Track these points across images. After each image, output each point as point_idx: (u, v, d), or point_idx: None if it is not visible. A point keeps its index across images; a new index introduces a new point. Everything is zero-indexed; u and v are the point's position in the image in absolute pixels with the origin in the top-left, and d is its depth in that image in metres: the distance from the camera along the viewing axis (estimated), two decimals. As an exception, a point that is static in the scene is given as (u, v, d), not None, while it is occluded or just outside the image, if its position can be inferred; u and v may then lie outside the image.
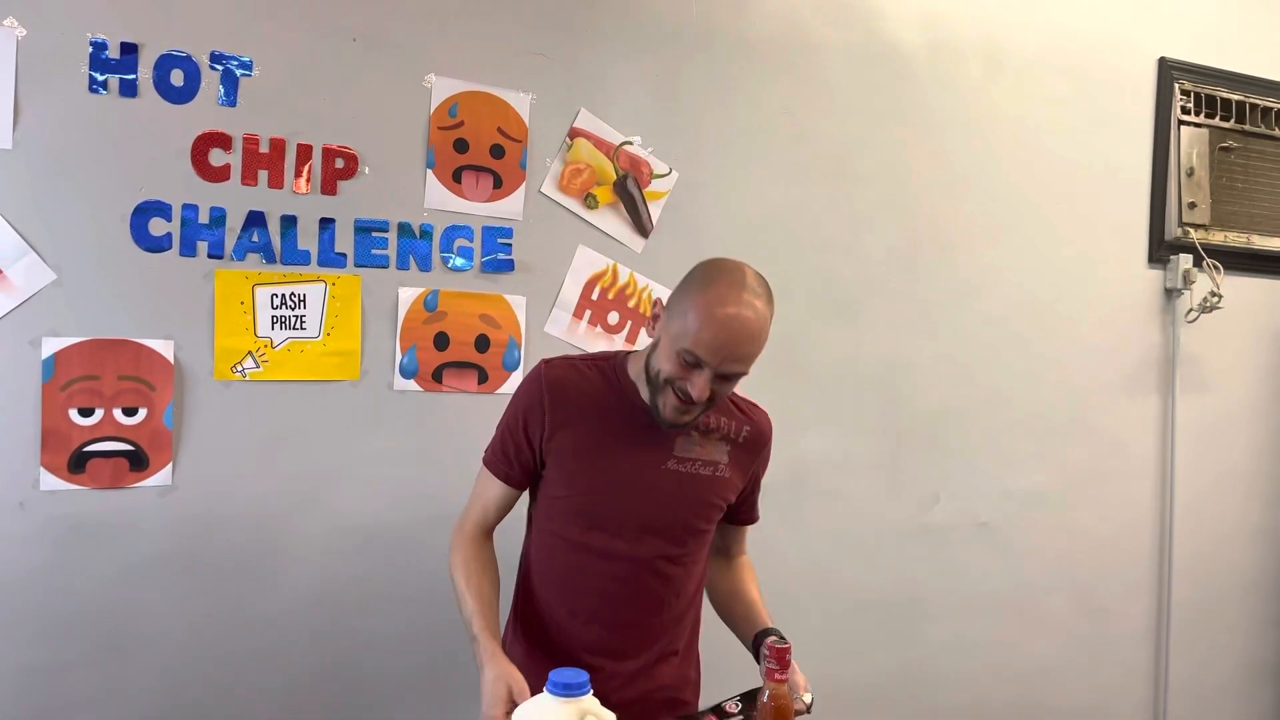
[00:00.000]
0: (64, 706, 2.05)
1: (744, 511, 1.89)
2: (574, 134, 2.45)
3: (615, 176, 2.49)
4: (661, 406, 1.63)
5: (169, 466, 2.12)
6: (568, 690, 1.07)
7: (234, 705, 2.18)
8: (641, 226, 2.52)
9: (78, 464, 2.05)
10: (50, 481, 2.03)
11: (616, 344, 2.53)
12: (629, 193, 2.51)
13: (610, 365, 1.76)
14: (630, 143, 2.51)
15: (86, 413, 2.05)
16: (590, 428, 1.69)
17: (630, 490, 1.69)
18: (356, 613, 2.28)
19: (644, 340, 2.53)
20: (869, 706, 2.82)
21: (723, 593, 1.91)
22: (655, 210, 2.54)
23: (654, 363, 1.64)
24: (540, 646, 1.74)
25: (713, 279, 1.61)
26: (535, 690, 1.35)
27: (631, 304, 2.53)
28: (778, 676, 1.25)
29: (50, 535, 2.04)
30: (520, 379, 2.37)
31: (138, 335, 2.09)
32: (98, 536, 2.08)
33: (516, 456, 1.75)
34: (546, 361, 1.78)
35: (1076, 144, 3.04)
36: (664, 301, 1.70)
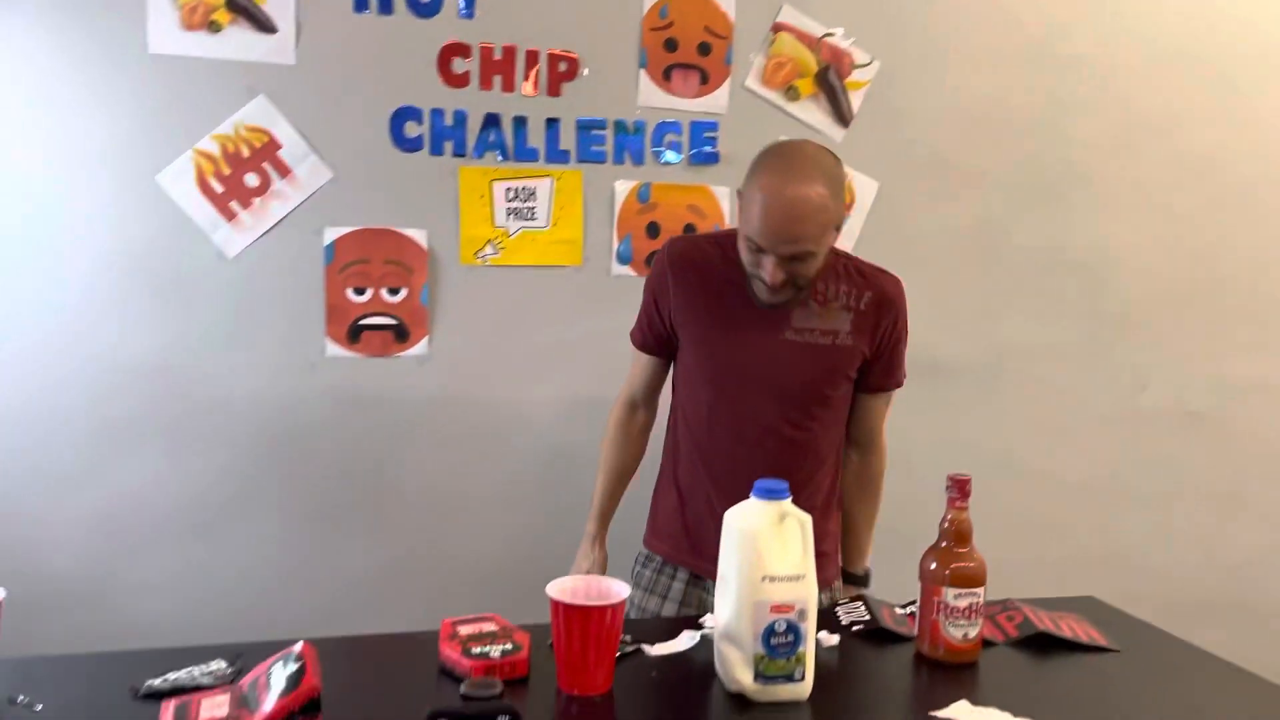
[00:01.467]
0: (342, 544, 2.47)
1: (877, 377, 1.83)
2: (777, 29, 2.56)
3: (816, 69, 2.59)
4: (756, 290, 1.69)
5: (425, 339, 2.47)
6: (770, 494, 1.27)
7: (479, 543, 2.54)
8: (842, 117, 2.62)
9: (354, 335, 2.42)
10: (333, 349, 2.41)
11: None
12: (830, 84, 2.60)
13: (731, 242, 1.74)
14: (832, 34, 2.59)
15: (359, 291, 2.41)
16: (712, 300, 1.76)
17: (750, 357, 1.75)
18: (582, 470, 2.58)
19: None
20: (1063, 591, 2.89)
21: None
22: (856, 100, 2.63)
23: (739, 251, 1.68)
24: (686, 498, 1.87)
25: (769, 164, 1.63)
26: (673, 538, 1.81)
27: (831, 192, 2.64)
28: (959, 505, 1.41)
29: (333, 394, 2.43)
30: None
31: (398, 225, 2.42)
32: (369, 397, 2.46)
33: (650, 328, 1.87)
34: (671, 240, 1.89)
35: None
36: (741, 193, 1.69)
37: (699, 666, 1.37)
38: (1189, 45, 2.81)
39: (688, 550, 1.84)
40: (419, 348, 2.47)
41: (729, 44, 2.54)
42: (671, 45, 2.51)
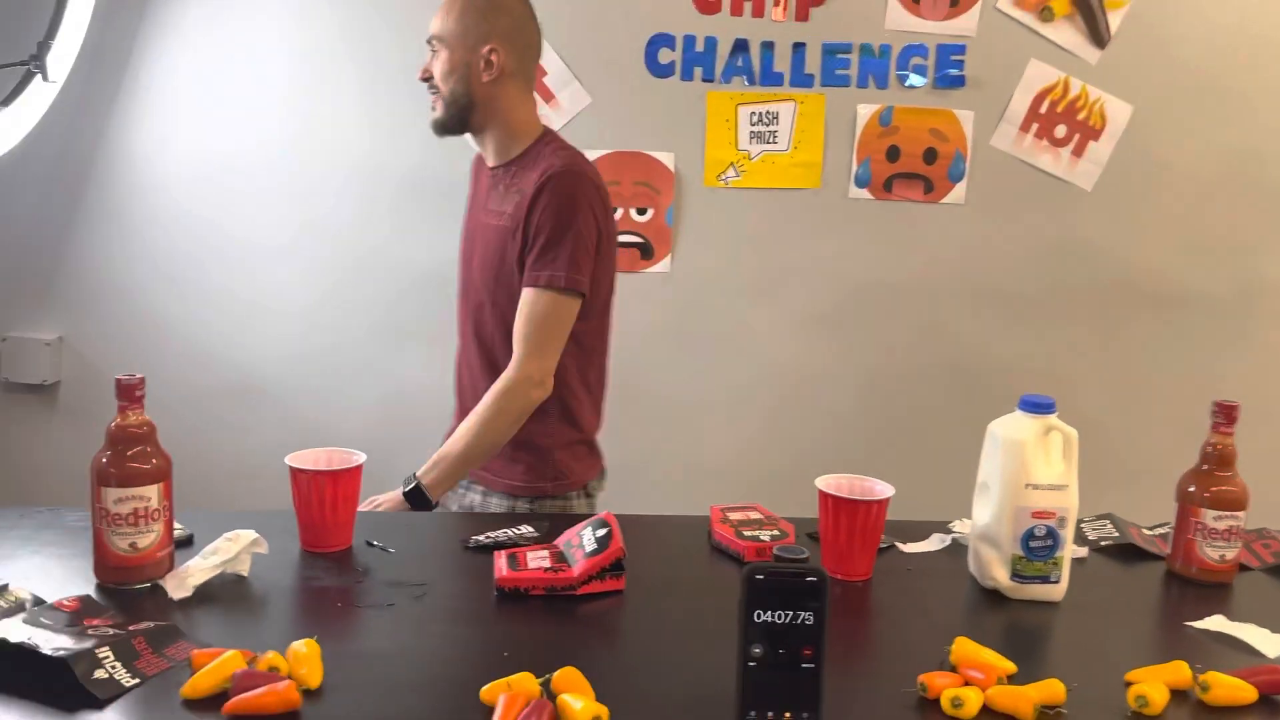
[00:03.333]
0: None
1: (524, 269, 1.69)
2: (1034, -53, 2.51)
3: (1074, -13, 2.52)
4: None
5: (669, 257, 2.62)
6: (1036, 408, 1.34)
7: (709, 445, 2.71)
8: (1099, 37, 2.54)
9: (604, 250, 2.61)
10: (585, 263, 2.61)
11: (1061, 157, 2.61)
12: (1087, 3, 2.52)
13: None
14: (1093, -49, 2.51)
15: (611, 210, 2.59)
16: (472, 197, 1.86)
17: (466, 244, 1.83)
18: (810, 384, 2.70)
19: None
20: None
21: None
22: (1115, 20, 2.54)
23: None
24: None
25: None
26: None
27: (1081, 116, 2.59)
28: (1224, 430, 1.43)
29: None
30: (963, 190, 2.58)
31: (648, 148, 2.57)
32: (617, 310, 2.64)
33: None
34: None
35: None
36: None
37: (949, 565, 1.47)
38: None
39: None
40: (662, 264, 2.63)
41: (981, -36, 2.50)
42: (922, -33, 2.50)
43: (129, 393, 1.24)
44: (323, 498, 1.38)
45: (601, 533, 1.34)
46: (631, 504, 2.40)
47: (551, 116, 2.52)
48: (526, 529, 1.51)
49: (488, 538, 1.46)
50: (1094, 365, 2.70)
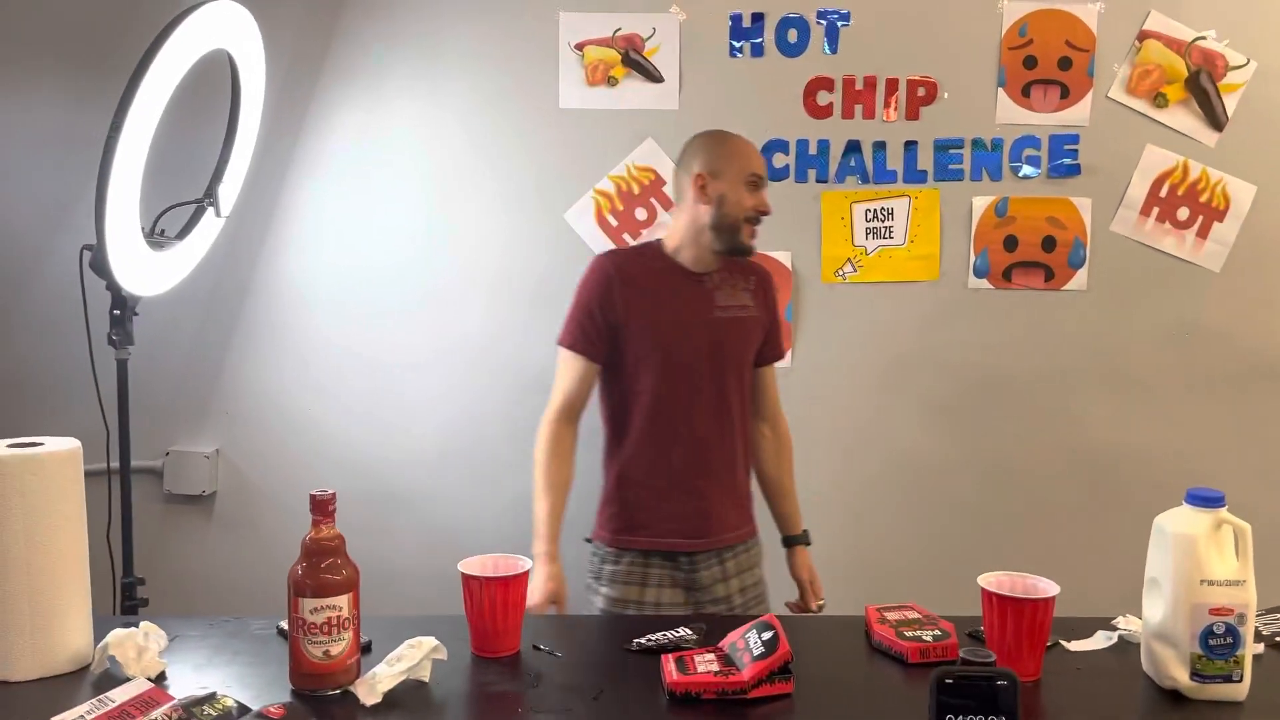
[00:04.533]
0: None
1: (769, 349, 2.15)
2: (1143, 36, 2.54)
3: (1187, 73, 2.54)
4: (744, 239, 2.01)
5: (790, 353, 2.67)
6: (1206, 502, 1.32)
7: (840, 539, 2.70)
8: (1215, 120, 2.54)
9: (727, 349, 2.66)
10: (708, 362, 2.67)
11: (1186, 240, 2.59)
12: (1202, 88, 2.54)
13: (649, 249, 2.08)
14: (1204, 38, 2.53)
15: (732, 309, 2.65)
16: (654, 293, 2.01)
17: (692, 334, 2.01)
18: (937, 476, 2.68)
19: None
20: None
21: (769, 478, 2.20)
22: (1230, 103, 2.54)
23: (728, 211, 1.98)
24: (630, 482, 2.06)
25: (714, 134, 2.06)
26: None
27: (1204, 198, 2.57)
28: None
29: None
30: (1084, 276, 2.58)
31: (766, 248, 2.62)
32: (739, 406, 2.69)
33: (587, 333, 2.01)
34: (599, 255, 2.09)
35: None
36: (702, 174, 1.99)
37: (1118, 664, 1.44)
38: None
39: (630, 529, 2.05)
40: (784, 362, 2.66)
41: (1091, 56, 2.55)
42: (1030, 62, 2.56)
43: (322, 508, 1.33)
44: (494, 603, 1.43)
45: (768, 635, 1.36)
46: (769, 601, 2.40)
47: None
48: (685, 631, 1.53)
49: (650, 640, 1.49)
50: (1230, 449, 2.62)
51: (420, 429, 2.70)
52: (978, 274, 2.63)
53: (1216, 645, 1.30)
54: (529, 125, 2.61)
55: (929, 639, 1.45)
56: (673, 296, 2.02)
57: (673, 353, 2.01)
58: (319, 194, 2.67)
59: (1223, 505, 1.33)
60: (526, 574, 1.48)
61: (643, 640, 1.49)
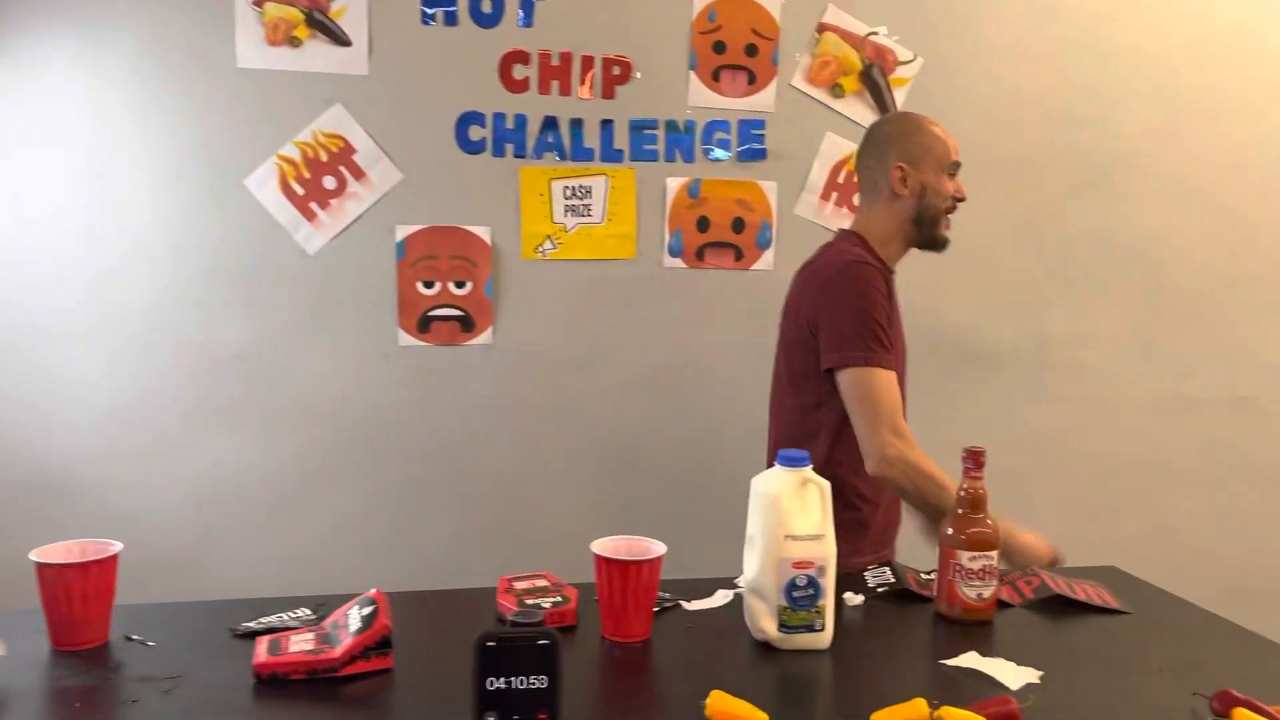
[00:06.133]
0: (415, 517, 2.65)
1: None
2: (822, 29, 2.67)
3: (861, 66, 2.69)
4: (943, 230, 1.93)
5: (490, 329, 2.64)
6: (792, 462, 1.39)
7: (542, 513, 2.70)
8: (886, 111, 2.71)
9: (424, 325, 2.61)
10: (406, 339, 2.60)
11: (862, 223, 2.75)
12: (874, 81, 2.70)
13: (867, 246, 1.92)
14: (875, 33, 2.69)
15: (429, 285, 2.59)
16: (894, 301, 1.92)
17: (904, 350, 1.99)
18: (633, 452, 2.73)
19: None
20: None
21: None
22: (900, 96, 2.72)
23: (931, 202, 1.90)
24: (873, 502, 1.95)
25: (913, 121, 1.94)
26: None
27: (876, 185, 2.74)
28: (974, 475, 1.51)
29: (406, 380, 2.62)
30: (771, 256, 2.69)
31: (463, 223, 2.59)
32: (439, 383, 2.64)
33: (887, 346, 1.83)
34: (864, 260, 1.87)
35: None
36: (903, 165, 1.90)
37: (730, 620, 1.50)
38: (1232, 33, 2.83)
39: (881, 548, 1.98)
40: (484, 337, 2.64)
41: (775, 45, 2.65)
42: (720, 47, 2.64)
43: None
44: (69, 591, 1.31)
45: (368, 610, 1.31)
46: (461, 582, 2.36)
47: (363, 194, 2.52)
48: (305, 611, 1.47)
49: (260, 623, 1.42)
50: (911, 419, 2.81)
51: (85, 409, 2.48)
52: (672, 253, 2.69)
53: (799, 597, 1.37)
54: (204, 86, 2.44)
55: (548, 605, 1.46)
56: (896, 300, 1.92)
57: (902, 360, 1.95)
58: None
59: (808, 465, 1.40)
60: (112, 559, 1.37)
61: (250, 624, 1.41)
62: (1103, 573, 1.80)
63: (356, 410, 2.59)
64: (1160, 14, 2.80)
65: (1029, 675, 1.31)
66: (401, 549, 2.63)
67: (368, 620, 1.29)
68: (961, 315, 2.81)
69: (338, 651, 1.26)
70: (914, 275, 2.72)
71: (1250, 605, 2.84)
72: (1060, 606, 1.58)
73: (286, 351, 2.54)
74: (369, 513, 2.62)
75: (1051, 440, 2.88)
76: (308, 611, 1.47)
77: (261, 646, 1.29)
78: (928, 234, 1.92)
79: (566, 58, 2.58)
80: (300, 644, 1.29)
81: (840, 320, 1.82)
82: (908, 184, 1.90)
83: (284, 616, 1.44)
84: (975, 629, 1.48)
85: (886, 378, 1.81)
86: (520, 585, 1.54)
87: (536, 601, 1.47)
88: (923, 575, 1.68)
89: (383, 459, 2.62)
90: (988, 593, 1.50)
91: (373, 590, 1.36)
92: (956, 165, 1.92)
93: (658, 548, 1.43)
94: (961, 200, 1.92)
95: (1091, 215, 2.84)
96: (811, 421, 1.91)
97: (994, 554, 1.50)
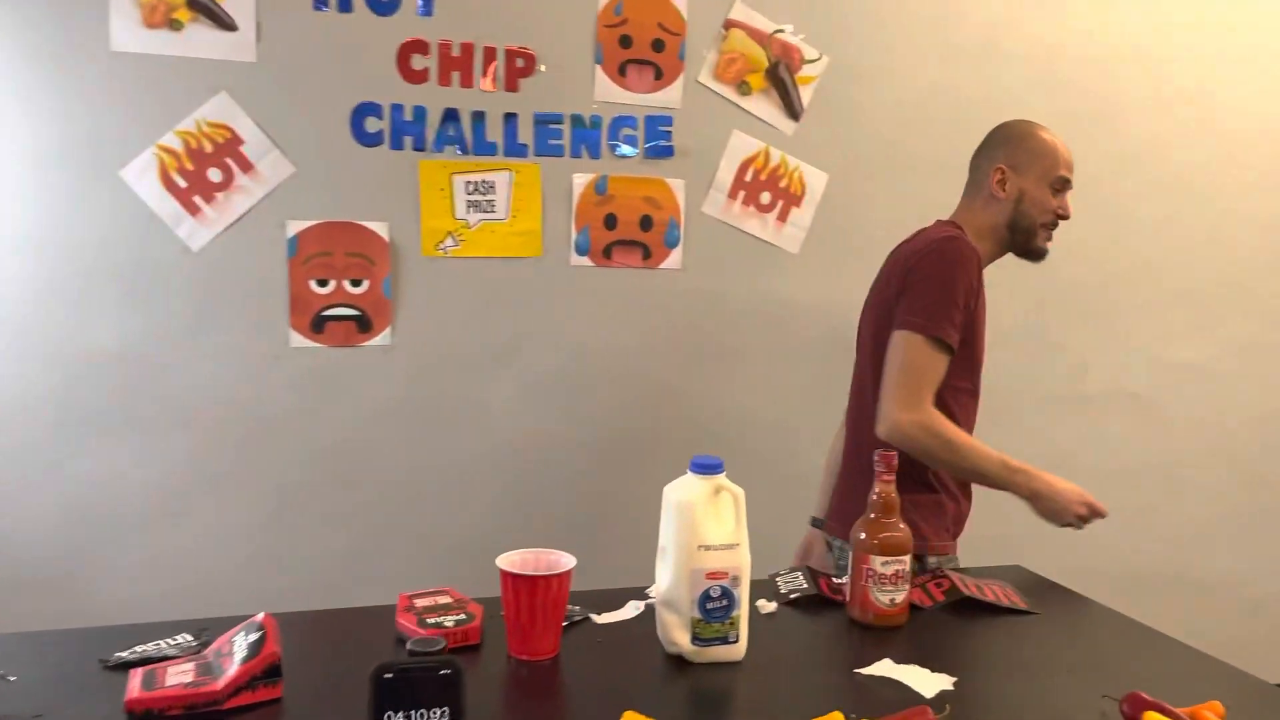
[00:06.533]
0: (306, 527, 2.53)
1: None
2: (729, 25, 2.64)
3: (767, 64, 2.68)
4: (1040, 242, 1.91)
5: (389, 329, 2.53)
6: (706, 469, 1.35)
7: (444, 521, 2.61)
8: (793, 110, 2.71)
9: (318, 325, 2.48)
10: (297, 340, 2.47)
11: (767, 223, 2.74)
12: (780, 79, 2.69)
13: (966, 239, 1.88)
14: (782, 31, 2.68)
15: (323, 283, 2.47)
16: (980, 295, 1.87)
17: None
18: (537, 454, 2.66)
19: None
20: (1003, 561, 3.00)
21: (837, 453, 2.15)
22: (806, 94, 2.72)
23: (1026, 210, 1.89)
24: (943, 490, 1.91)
25: (1026, 127, 1.92)
26: None
27: (783, 184, 2.73)
28: (885, 479, 1.50)
29: (297, 383, 2.49)
30: (679, 255, 2.65)
31: (359, 218, 2.48)
32: (334, 386, 2.52)
33: (959, 328, 1.80)
34: (965, 241, 1.85)
35: (1244, 7, 2.97)
36: (1003, 167, 1.90)
37: (642, 633, 1.45)
38: (1128, 38, 2.92)
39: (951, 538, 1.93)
40: (382, 337, 2.53)
41: (682, 40, 2.62)
42: (626, 42, 2.58)
43: None
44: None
45: (254, 636, 1.22)
46: (351, 595, 2.26)
47: (252, 186, 2.39)
48: (185, 638, 1.36)
49: (134, 653, 1.31)
50: (817, 412, 2.81)
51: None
52: (579, 251, 2.63)
53: (713, 609, 1.33)
54: (74, 70, 2.27)
55: (451, 624, 1.38)
56: (983, 294, 1.85)
57: (985, 353, 1.90)
58: None
59: (721, 472, 1.36)
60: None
61: (123, 654, 1.30)
62: (1007, 571, 1.81)
63: (244, 416, 2.46)
64: (1056, 21, 2.87)
65: (943, 682, 1.30)
66: (293, 562, 2.51)
67: (254, 647, 1.20)
68: (854, 311, 2.81)
69: (220, 683, 1.17)
70: (812, 271, 2.74)
71: (1139, 593, 2.94)
72: (970, 608, 1.58)
73: (168, 354, 2.39)
74: (258, 525, 2.49)
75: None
76: (188, 638, 1.36)
77: (135, 680, 1.19)
78: (1022, 242, 1.92)
79: (468, 48, 2.49)
80: (179, 676, 1.19)
81: (923, 288, 1.79)
82: (1006, 188, 1.90)
83: (161, 644, 1.34)
84: (888, 635, 1.47)
85: (933, 353, 1.77)
86: (421, 603, 1.46)
87: (439, 619, 1.39)
88: (835, 580, 1.67)
89: (272, 467, 2.49)
90: (900, 598, 1.49)
91: (260, 615, 1.26)
92: (1064, 181, 1.90)
93: (567, 560, 1.37)
94: (1064, 218, 1.90)
95: (991, 216, 2.89)
96: None
97: (905, 558, 1.49)
